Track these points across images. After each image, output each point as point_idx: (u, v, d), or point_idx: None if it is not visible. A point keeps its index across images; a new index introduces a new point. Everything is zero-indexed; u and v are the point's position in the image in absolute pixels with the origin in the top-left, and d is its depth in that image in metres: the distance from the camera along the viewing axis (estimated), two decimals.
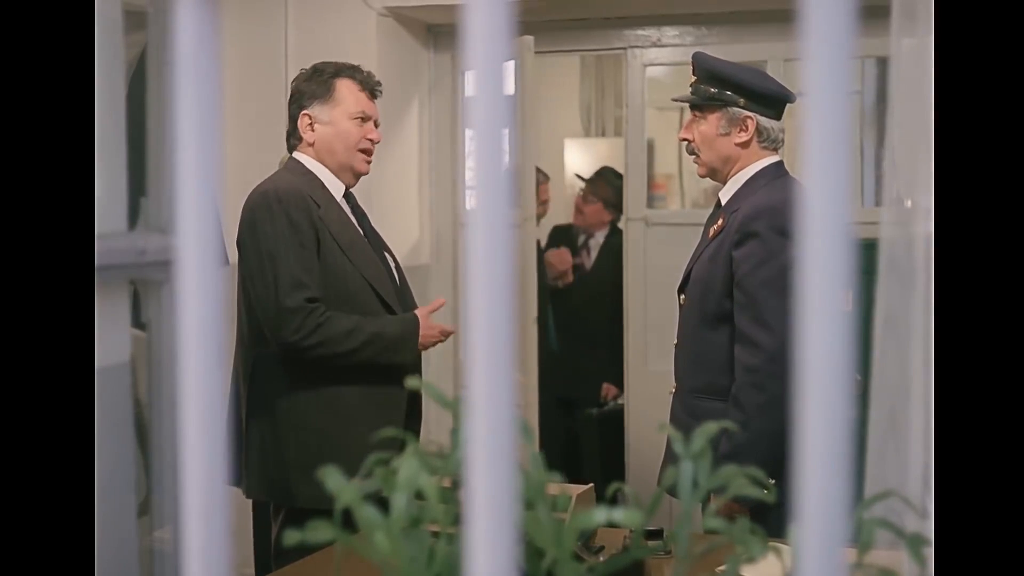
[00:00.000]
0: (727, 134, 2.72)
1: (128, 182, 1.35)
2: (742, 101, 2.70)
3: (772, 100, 2.73)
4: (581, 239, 5.51)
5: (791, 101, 2.78)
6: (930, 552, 1.01)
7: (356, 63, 2.98)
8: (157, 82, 1.34)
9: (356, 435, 2.67)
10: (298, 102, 2.90)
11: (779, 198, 2.61)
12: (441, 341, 2.90)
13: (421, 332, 2.81)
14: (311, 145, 2.88)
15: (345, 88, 2.89)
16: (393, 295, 2.83)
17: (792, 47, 3.39)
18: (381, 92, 2.97)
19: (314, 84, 2.89)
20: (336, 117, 2.87)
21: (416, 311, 2.85)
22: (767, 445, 2.48)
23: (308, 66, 2.96)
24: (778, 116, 2.75)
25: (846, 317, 0.58)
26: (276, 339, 2.69)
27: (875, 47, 2.20)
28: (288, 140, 2.95)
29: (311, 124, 2.87)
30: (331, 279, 2.73)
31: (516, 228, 4.81)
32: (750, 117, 2.70)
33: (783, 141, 2.78)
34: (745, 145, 2.72)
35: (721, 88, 2.72)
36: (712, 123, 2.73)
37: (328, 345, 2.69)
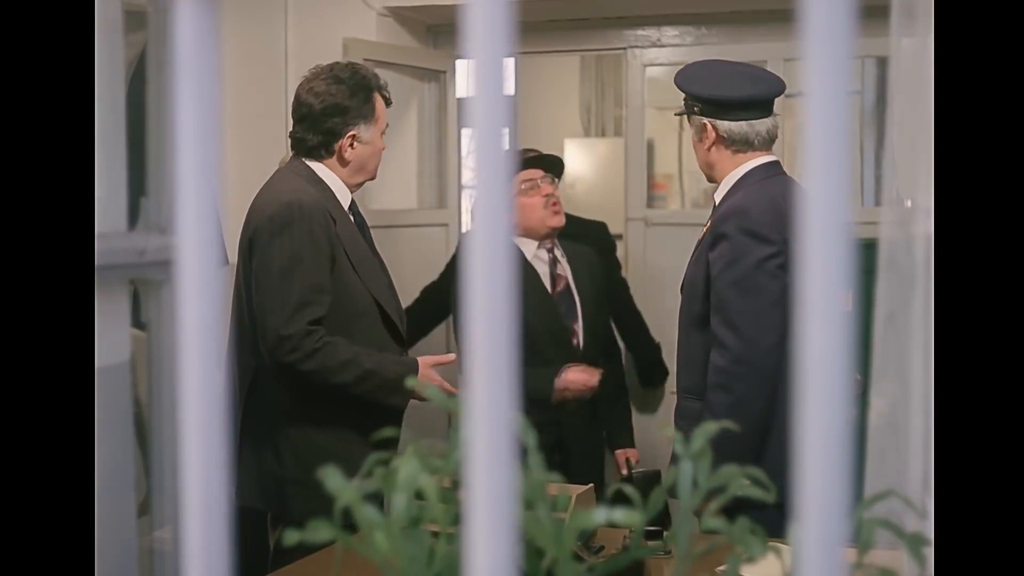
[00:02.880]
0: (700, 140, 2.79)
1: (128, 182, 1.35)
2: (697, 108, 2.76)
3: (724, 104, 2.73)
4: (549, 254, 4.32)
5: (748, 102, 2.73)
6: (930, 552, 1.01)
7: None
8: (157, 82, 1.34)
9: (355, 453, 2.65)
10: (342, 116, 2.74)
11: (753, 199, 2.63)
12: None
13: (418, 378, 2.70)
14: (347, 164, 2.75)
15: (379, 105, 2.79)
16: (397, 314, 2.79)
17: (792, 47, 3.38)
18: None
19: (359, 101, 2.74)
20: (374, 135, 2.78)
21: (420, 359, 2.77)
22: (732, 447, 2.47)
23: (345, 63, 2.82)
24: (751, 116, 2.72)
25: (846, 317, 0.58)
26: (271, 358, 2.64)
27: (875, 47, 2.20)
28: (314, 149, 2.77)
29: (352, 143, 2.75)
30: (342, 297, 2.68)
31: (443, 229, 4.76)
32: (706, 123, 2.74)
33: (768, 138, 2.74)
34: (712, 150, 2.74)
35: (687, 97, 2.79)
36: (692, 131, 2.83)
37: (323, 373, 2.63)
